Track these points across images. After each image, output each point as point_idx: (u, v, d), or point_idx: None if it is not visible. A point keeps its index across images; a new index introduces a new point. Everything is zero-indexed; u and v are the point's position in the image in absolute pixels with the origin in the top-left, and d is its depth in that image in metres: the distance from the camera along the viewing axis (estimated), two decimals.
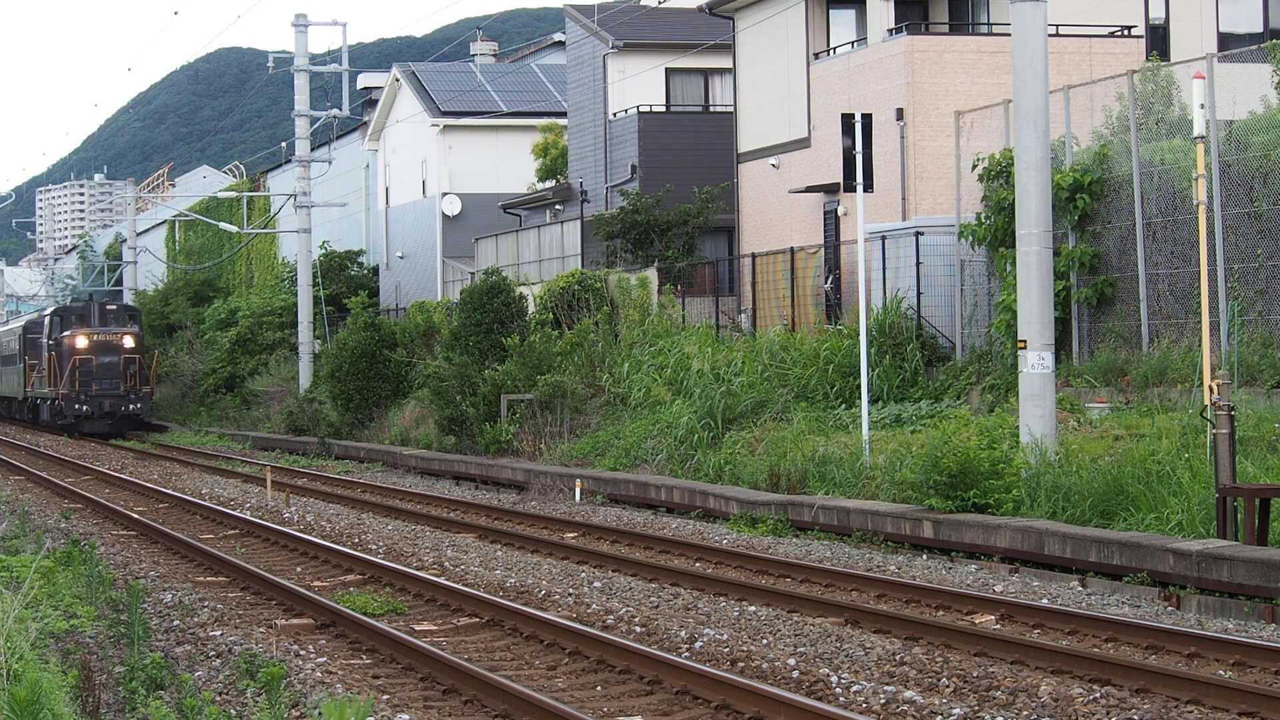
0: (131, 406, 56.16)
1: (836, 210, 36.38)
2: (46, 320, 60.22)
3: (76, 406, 55.69)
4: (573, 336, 36.51)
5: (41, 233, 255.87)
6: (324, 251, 60.57)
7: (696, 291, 39.87)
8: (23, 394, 65.47)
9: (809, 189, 37.05)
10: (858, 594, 17.21)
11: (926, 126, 33.39)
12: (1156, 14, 35.45)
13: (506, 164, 58.11)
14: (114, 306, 60.17)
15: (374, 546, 22.24)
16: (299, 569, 20.49)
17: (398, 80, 61.19)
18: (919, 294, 29.24)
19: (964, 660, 13.35)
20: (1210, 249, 21.80)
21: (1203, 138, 18.82)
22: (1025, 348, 21.37)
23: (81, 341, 56.42)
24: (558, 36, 63.93)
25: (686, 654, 13.80)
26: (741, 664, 13.33)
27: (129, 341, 57.33)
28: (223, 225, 64.15)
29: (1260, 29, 35.19)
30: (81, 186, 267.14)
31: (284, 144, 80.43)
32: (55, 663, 11.19)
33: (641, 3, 55.66)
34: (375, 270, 63.85)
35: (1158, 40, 34.99)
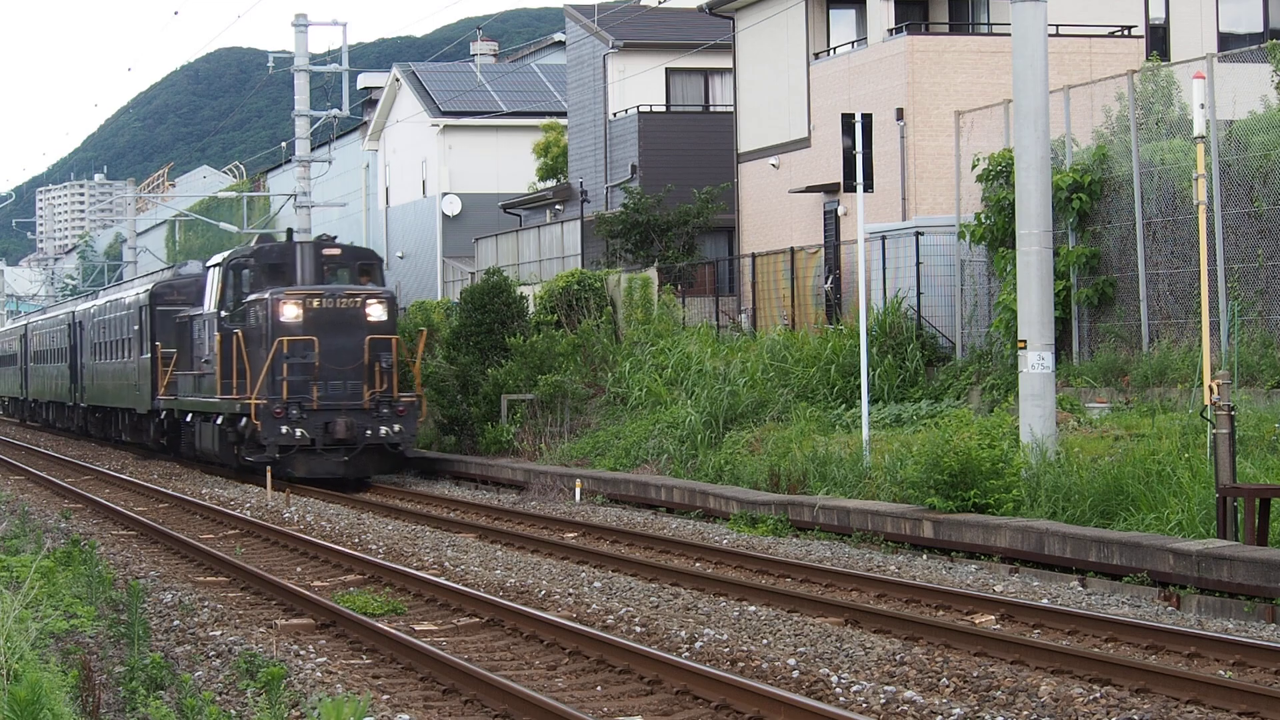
0: (384, 429, 32.08)
1: (836, 210, 36.39)
2: (214, 277, 35.61)
3: (283, 429, 31.76)
4: (574, 337, 36.53)
5: (41, 233, 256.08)
6: None
7: (697, 291, 39.88)
8: (149, 404, 41.02)
9: (809, 189, 37.06)
10: (858, 594, 17.20)
11: (926, 126, 33.40)
12: (1156, 14, 35.46)
13: (506, 164, 58.16)
14: (338, 250, 35.23)
15: (374, 546, 22.24)
16: (299, 569, 20.49)
17: (398, 80, 61.25)
18: (919, 294, 29.24)
19: (964, 660, 13.35)
20: (1210, 249, 21.80)
21: (1203, 138, 18.81)
22: (1025, 348, 21.37)
23: (291, 311, 32.38)
24: (558, 36, 63.97)
25: (686, 654, 13.80)
26: (741, 664, 13.33)
27: (377, 311, 32.85)
28: (223, 225, 64.18)
29: (1260, 29, 35.21)
30: (81, 186, 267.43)
31: (284, 144, 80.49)
32: (55, 663, 11.19)
33: (641, 3, 55.68)
34: None
35: (1158, 40, 35.01)
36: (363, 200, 66.33)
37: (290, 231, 37.23)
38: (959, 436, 20.08)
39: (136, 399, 42.81)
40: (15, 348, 70.19)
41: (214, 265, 36.04)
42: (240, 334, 33.19)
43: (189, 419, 37.30)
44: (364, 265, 35.13)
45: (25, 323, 70.58)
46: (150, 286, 42.55)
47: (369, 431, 32.11)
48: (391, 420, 32.24)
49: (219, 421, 34.25)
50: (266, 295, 32.93)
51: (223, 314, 34.42)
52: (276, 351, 32.17)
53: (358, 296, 32.97)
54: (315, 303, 32.60)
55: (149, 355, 40.79)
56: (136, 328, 42.87)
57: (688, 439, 28.56)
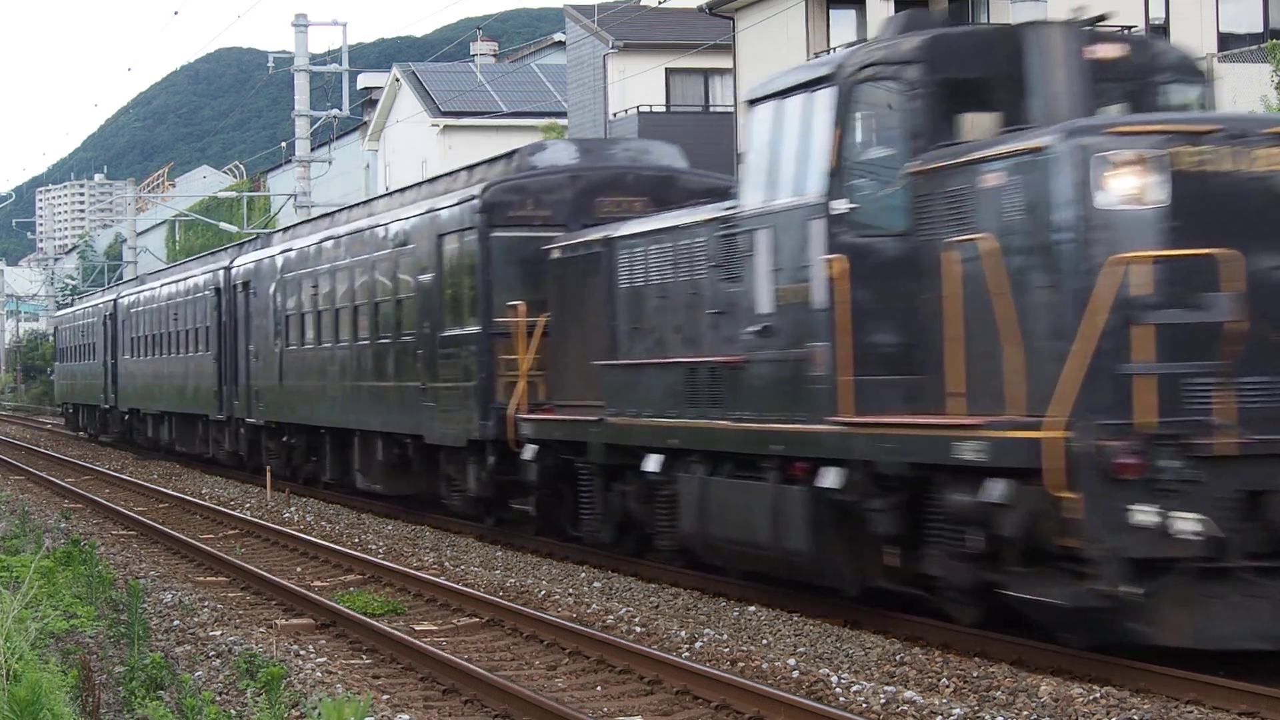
0: None
1: None
2: (802, 111, 14.20)
3: (1147, 518, 11.37)
4: None
5: (41, 233, 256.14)
6: None
7: None
8: (480, 427, 20.79)
9: None
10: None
11: None
12: (1156, 14, 35.47)
13: None
14: (1122, 47, 14.42)
15: (374, 546, 22.24)
16: (299, 569, 20.49)
17: (398, 80, 61.26)
18: None
19: (964, 660, 13.34)
20: None
21: None
22: None
23: (1126, 184, 11.89)
24: (558, 36, 64.00)
25: (686, 654, 13.79)
26: (741, 664, 13.33)
27: None
28: (223, 225, 64.19)
29: (1260, 29, 35.21)
30: (81, 186, 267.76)
31: (284, 144, 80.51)
32: (55, 663, 11.19)
33: (641, 3, 55.71)
34: None
35: None
36: None
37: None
38: None
39: (417, 419, 23.14)
40: (95, 335, 49.46)
41: (794, 87, 14.62)
42: (956, 256, 13.03)
43: (651, 467, 17.37)
44: (1178, 77, 14.78)
45: (113, 297, 48.37)
46: (482, 191, 21.08)
47: None
48: None
49: (826, 484, 14.24)
50: (1053, 139, 12.48)
51: (837, 204, 13.98)
52: (1118, 296, 11.89)
53: None
54: (1197, 159, 12.20)
55: (480, 329, 21.04)
56: (427, 276, 22.75)
57: None
